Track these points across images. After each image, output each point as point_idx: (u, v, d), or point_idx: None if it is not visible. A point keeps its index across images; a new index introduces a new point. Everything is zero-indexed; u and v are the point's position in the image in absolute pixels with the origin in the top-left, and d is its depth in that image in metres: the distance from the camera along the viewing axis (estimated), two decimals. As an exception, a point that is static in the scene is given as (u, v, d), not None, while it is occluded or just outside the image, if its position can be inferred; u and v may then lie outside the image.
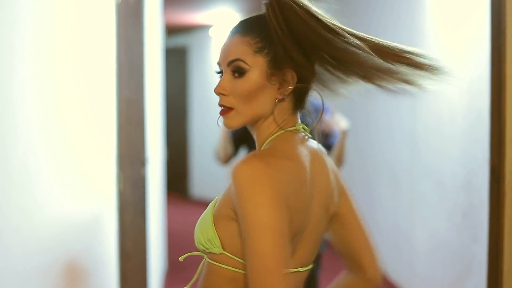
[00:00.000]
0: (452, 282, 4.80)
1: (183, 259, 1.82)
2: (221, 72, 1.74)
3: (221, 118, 1.72)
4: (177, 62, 13.09)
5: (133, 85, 4.37)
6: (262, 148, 1.73)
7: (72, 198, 3.08)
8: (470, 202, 4.45)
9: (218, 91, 1.69)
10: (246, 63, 1.67)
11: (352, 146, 7.68)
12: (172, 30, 12.09)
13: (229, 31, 1.74)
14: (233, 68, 1.68)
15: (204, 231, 1.68)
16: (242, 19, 1.75)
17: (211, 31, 11.79)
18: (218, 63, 1.74)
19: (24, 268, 2.42)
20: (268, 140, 1.73)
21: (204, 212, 1.73)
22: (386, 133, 6.70)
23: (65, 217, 2.95)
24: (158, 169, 6.51)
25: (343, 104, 7.85)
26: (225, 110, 1.71)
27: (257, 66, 1.67)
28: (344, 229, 1.96)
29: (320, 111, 4.28)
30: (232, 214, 1.62)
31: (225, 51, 1.71)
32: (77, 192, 3.17)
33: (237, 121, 1.71)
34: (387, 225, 6.67)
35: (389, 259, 6.58)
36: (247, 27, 1.71)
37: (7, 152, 2.24)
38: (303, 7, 1.65)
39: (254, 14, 1.75)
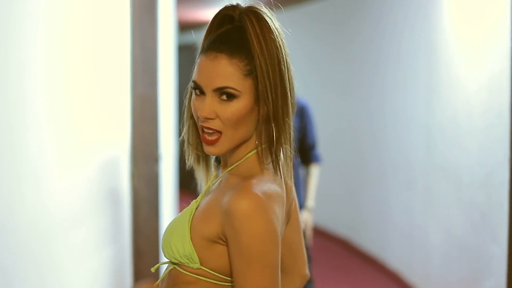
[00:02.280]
0: (469, 282, 4.74)
1: (155, 270, 1.75)
2: (199, 90, 1.61)
3: (205, 145, 1.63)
4: (188, 59, 13.01)
5: (147, 81, 4.34)
6: (236, 164, 1.67)
7: (86, 195, 3.05)
8: (489, 201, 4.38)
9: (204, 116, 1.59)
10: (237, 90, 1.58)
11: (366, 144, 7.62)
12: (183, 27, 12.04)
13: (209, 46, 1.61)
14: (223, 93, 1.58)
15: (179, 246, 1.63)
16: (222, 33, 1.62)
17: (223, 28, 11.70)
18: (198, 83, 1.61)
19: (37, 264, 2.39)
20: (244, 157, 1.67)
21: (175, 221, 1.68)
22: (400, 131, 6.64)
23: (79, 214, 2.92)
24: (171, 166, 6.47)
25: (357, 102, 7.85)
26: (214, 139, 1.61)
27: (246, 90, 1.59)
28: (291, 230, 1.87)
29: (301, 108, 4.22)
30: (217, 239, 1.58)
31: (211, 73, 1.59)
32: (91, 189, 3.14)
33: (225, 147, 1.63)
34: (401, 223, 6.61)
35: (403, 258, 6.53)
36: (233, 47, 1.59)
37: (18, 148, 2.21)
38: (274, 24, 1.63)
39: (230, 27, 1.64)
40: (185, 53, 13.31)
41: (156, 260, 4.73)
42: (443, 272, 5.37)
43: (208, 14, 10.79)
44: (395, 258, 6.75)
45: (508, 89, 3.96)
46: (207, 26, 1.67)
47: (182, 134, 1.74)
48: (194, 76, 1.62)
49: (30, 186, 2.33)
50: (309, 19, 8.97)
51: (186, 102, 1.71)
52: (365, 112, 7.63)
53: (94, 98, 3.15)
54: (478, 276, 4.56)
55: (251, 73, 1.58)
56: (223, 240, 1.57)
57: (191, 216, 1.63)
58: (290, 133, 1.65)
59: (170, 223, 1.69)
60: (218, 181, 1.72)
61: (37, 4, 2.38)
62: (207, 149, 1.63)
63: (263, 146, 1.65)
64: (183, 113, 1.73)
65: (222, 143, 1.62)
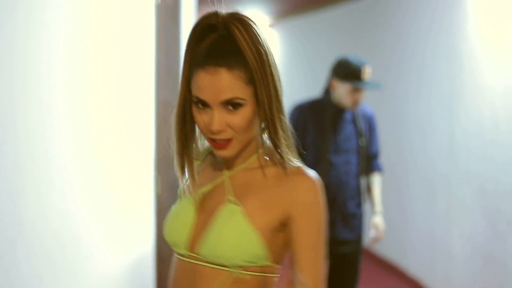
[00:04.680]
0: (494, 291, 4.70)
1: None
2: (203, 103, 1.66)
3: (216, 149, 1.70)
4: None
5: (170, 86, 4.32)
6: (246, 163, 1.77)
7: (110, 202, 3.03)
8: (516, 209, 4.35)
9: (217, 130, 1.65)
10: (242, 99, 1.65)
11: (390, 151, 7.57)
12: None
13: (205, 61, 1.63)
14: (229, 104, 1.64)
15: (242, 247, 1.69)
16: (213, 45, 1.65)
17: (240, 34, 11.71)
18: (203, 99, 1.64)
19: (61, 271, 2.37)
20: (255, 156, 1.78)
21: (217, 225, 1.72)
22: (423, 138, 6.59)
23: (102, 221, 2.91)
24: (191, 172, 6.43)
25: (380, 109, 7.80)
26: (225, 143, 1.69)
27: (250, 96, 1.66)
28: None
29: (368, 118, 4.23)
30: (280, 227, 1.71)
31: (215, 88, 1.63)
32: (115, 196, 3.13)
33: (236, 149, 1.72)
34: (423, 230, 6.57)
35: (424, 265, 6.48)
36: (230, 58, 1.64)
37: (40, 157, 2.19)
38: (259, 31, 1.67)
39: (216, 36, 1.66)
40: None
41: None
42: (467, 281, 5.33)
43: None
44: (415, 266, 6.71)
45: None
46: (190, 36, 1.69)
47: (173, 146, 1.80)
48: (195, 92, 1.65)
49: (53, 195, 2.31)
50: (329, 25, 8.94)
51: (175, 111, 1.76)
52: (388, 120, 7.59)
53: (119, 104, 3.14)
54: (504, 285, 4.52)
55: (251, 79, 1.64)
56: (284, 226, 1.71)
57: (243, 214, 1.70)
58: (288, 130, 1.73)
59: (210, 229, 1.71)
60: (223, 180, 1.78)
61: (59, 10, 2.36)
62: (220, 153, 1.71)
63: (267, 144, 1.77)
64: (174, 124, 1.77)
65: (233, 146, 1.70)
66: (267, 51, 1.67)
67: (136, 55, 3.55)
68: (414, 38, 6.83)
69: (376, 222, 4.30)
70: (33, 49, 2.15)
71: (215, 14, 1.66)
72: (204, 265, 1.73)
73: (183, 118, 1.75)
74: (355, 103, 4.03)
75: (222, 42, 1.65)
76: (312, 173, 1.74)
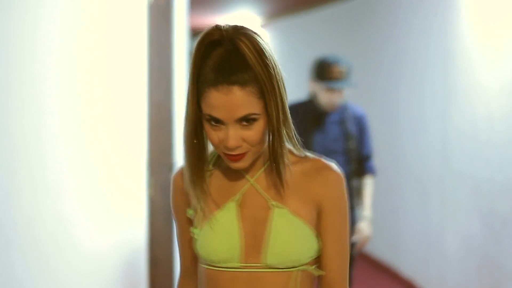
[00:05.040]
0: (490, 291, 4.69)
1: None
2: (216, 120, 1.67)
3: (231, 162, 1.72)
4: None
5: (163, 88, 4.30)
6: (267, 165, 1.81)
7: (103, 205, 3.00)
8: (511, 209, 4.32)
9: (235, 146, 1.67)
10: (257, 113, 1.66)
11: (381, 150, 7.56)
12: (193, 34, 12.03)
13: (216, 80, 1.63)
14: (243, 120, 1.66)
15: (306, 246, 1.78)
16: (221, 62, 1.65)
17: (231, 34, 11.68)
18: (217, 117, 1.65)
19: (55, 274, 2.34)
20: (268, 160, 1.80)
21: (286, 230, 1.77)
22: (415, 137, 6.58)
23: (96, 224, 2.88)
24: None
25: (371, 108, 7.79)
26: (239, 156, 1.71)
27: (261, 110, 1.67)
28: None
29: (359, 118, 4.18)
30: (316, 218, 1.81)
31: (229, 107, 1.64)
32: (108, 199, 3.10)
33: (250, 161, 1.75)
34: (416, 230, 6.55)
35: (417, 266, 6.47)
36: (242, 74, 1.64)
37: (35, 159, 2.16)
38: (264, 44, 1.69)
39: (223, 52, 1.66)
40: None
41: (171, 269, 4.68)
42: (461, 281, 5.31)
43: (216, 20, 10.74)
44: (409, 267, 6.70)
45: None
46: (194, 53, 1.68)
47: (184, 160, 1.79)
48: (208, 110, 1.66)
49: (48, 200, 2.29)
50: (321, 25, 8.93)
51: (185, 128, 1.75)
52: (380, 119, 7.57)
53: (112, 105, 3.11)
54: (500, 285, 4.51)
55: (261, 93, 1.66)
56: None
57: (293, 215, 1.77)
58: (294, 135, 1.78)
59: (270, 238, 1.76)
60: (249, 186, 1.81)
61: (53, 12, 2.34)
62: (234, 165, 1.73)
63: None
64: (185, 139, 1.76)
65: (248, 158, 1.73)
66: (274, 64, 1.68)
67: (128, 56, 3.52)
68: (406, 37, 6.82)
69: (361, 228, 4.16)
70: (28, 49, 2.12)
71: (219, 29, 1.66)
72: (266, 272, 1.77)
73: (195, 135, 1.75)
74: (331, 103, 4.00)
75: (230, 58, 1.65)
76: (335, 165, 1.83)
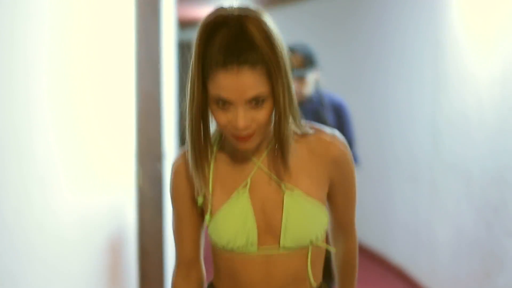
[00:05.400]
0: (480, 277, 4.68)
1: None
2: (225, 102, 1.68)
3: (239, 142, 1.73)
4: (185, 56, 13.00)
5: (151, 78, 4.27)
6: (271, 146, 1.83)
7: (92, 197, 2.99)
8: (503, 196, 4.32)
9: (244, 126, 1.68)
10: (265, 94, 1.67)
11: (368, 138, 7.56)
12: (180, 24, 11.97)
13: (226, 60, 1.63)
14: (253, 100, 1.67)
15: (318, 224, 1.83)
16: (230, 42, 1.64)
17: (219, 25, 11.64)
18: (227, 98, 1.66)
19: (44, 266, 2.33)
20: (271, 138, 1.83)
21: (300, 213, 1.81)
22: (405, 123, 6.56)
23: (85, 215, 2.87)
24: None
25: (360, 98, 7.77)
26: (248, 136, 1.72)
27: (269, 91, 1.68)
28: None
29: (338, 107, 4.13)
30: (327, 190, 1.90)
31: (239, 87, 1.64)
32: (97, 190, 3.08)
33: (258, 141, 1.76)
34: (405, 218, 6.55)
35: (408, 253, 6.47)
36: (251, 54, 1.63)
37: (24, 149, 2.14)
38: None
39: (230, 32, 1.65)
40: (182, 50, 13.43)
41: (161, 260, 4.66)
42: (452, 268, 5.32)
43: (204, 11, 10.71)
44: (399, 255, 6.70)
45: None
46: (200, 34, 1.68)
47: (187, 144, 1.80)
48: (217, 91, 1.66)
49: (37, 189, 2.27)
50: (309, 16, 8.90)
51: (191, 112, 1.75)
52: (369, 108, 7.57)
53: (100, 96, 3.09)
54: (491, 271, 4.51)
55: (269, 74, 1.66)
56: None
57: (305, 195, 1.81)
58: (299, 117, 1.82)
59: (286, 222, 1.80)
60: (257, 168, 1.83)
61: (42, 1, 2.32)
62: (242, 146, 1.73)
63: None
64: (189, 122, 1.77)
65: (255, 138, 1.72)
66: (281, 45, 1.68)
67: (116, 46, 3.50)
68: (395, 25, 6.81)
69: None
70: (19, 40, 2.11)
71: (225, 10, 1.67)
72: (281, 253, 1.83)
73: (201, 118, 1.76)
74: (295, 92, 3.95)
75: (238, 39, 1.63)
76: (337, 134, 1.88)
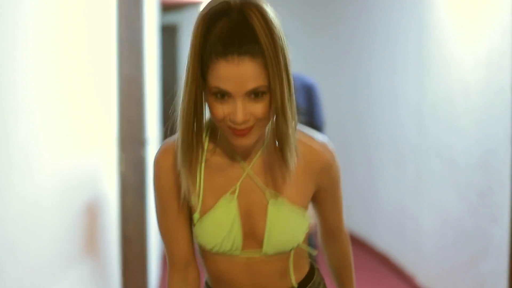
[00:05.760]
0: (466, 264, 4.65)
1: None
2: (223, 93, 1.62)
3: (236, 137, 1.67)
4: (168, 40, 12.94)
5: (133, 62, 4.19)
6: (262, 151, 1.81)
7: (74, 183, 2.91)
8: (488, 182, 4.28)
9: (243, 119, 1.63)
10: (266, 86, 1.61)
11: (353, 122, 7.52)
12: (163, 8, 11.90)
13: (226, 50, 1.58)
14: (252, 93, 1.62)
15: (300, 231, 1.84)
16: (230, 32, 1.58)
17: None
18: (226, 89, 1.60)
19: (24, 255, 2.26)
20: (266, 141, 1.81)
21: (284, 221, 1.81)
22: (389, 108, 6.53)
23: (66, 202, 2.79)
24: (156, 150, 6.33)
25: (344, 79, 7.72)
26: (246, 130, 1.66)
27: (268, 83, 1.62)
28: None
29: (309, 88, 4.06)
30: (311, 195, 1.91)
31: (240, 78, 1.59)
32: (79, 176, 3.01)
33: (256, 137, 1.70)
34: (390, 204, 6.53)
35: (392, 239, 6.45)
36: (252, 45, 1.59)
37: (8, 134, 2.07)
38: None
39: (231, 23, 1.60)
40: (164, 34, 13.32)
41: (143, 247, 4.61)
42: (437, 255, 5.29)
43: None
44: (384, 240, 6.68)
45: (510, 64, 3.85)
46: (199, 22, 1.63)
47: (178, 138, 1.74)
48: (215, 82, 1.60)
49: (20, 173, 2.20)
50: (294, 1, 8.83)
51: (184, 104, 1.69)
52: (355, 91, 7.53)
53: (79, 80, 3.01)
54: (476, 258, 4.48)
55: (270, 65, 1.60)
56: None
57: (288, 203, 1.80)
58: (296, 114, 1.73)
59: (269, 230, 1.81)
60: (246, 174, 1.80)
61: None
62: (240, 141, 1.67)
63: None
64: (182, 115, 1.71)
65: (254, 133, 1.67)
66: (281, 38, 1.63)
67: (96, 28, 3.42)
68: (379, 7, 6.76)
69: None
70: (6, 20, 2.03)
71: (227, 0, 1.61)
72: (264, 256, 1.84)
73: (195, 113, 1.69)
74: None
75: (239, 29, 1.59)
76: (323, 138, 1.87)
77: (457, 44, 4.78)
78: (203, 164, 1.79)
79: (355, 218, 7.34)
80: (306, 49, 8.39)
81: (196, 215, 1.78)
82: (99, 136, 3.45)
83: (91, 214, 3.28)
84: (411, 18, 5.84)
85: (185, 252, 1.89)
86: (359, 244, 7.20)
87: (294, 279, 1.89)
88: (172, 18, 12.87)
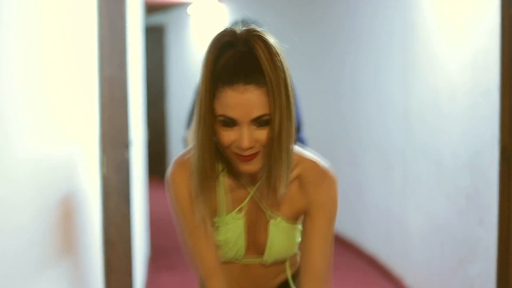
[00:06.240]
0: (453, 266, 4.62)
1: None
2: (230, 121, 1.74)
3: (242, 163, 1.79)
4: (154, 41, 12.90)
5: (115, 63, 4.12)
6: (264, 176, 1.95)
7: (54, 186, 2.85)
8: (475, 184, 4.24)
9: (249, 146, 1.74)
10: (270, 114, 1.72)
11: (338, 124, 7.48)
12: (149, 8, 11.85)
13: (233, 79, 1.70)
14: (257, 120, 1.73)
15: (297, 239, 2.06)
16: (237, 62, 1.72)
17: (189, 9, 11.58)
18: (233, 117, 1.72)
19: (12, 262, 2.20)
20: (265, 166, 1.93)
21: (282, 237, 2.01)
22: (375, 110, 6.50)
23: (46, 204, 2.73)
24: (141, 151, 6.28)
25: (327, 82, 7.68)
26: (252, 156, 1.77)
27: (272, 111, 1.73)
28: None
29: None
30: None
31: (246, 106, 1.70)
32: (56, 177, 2.94)
33: (261, 163, 1.81)
34: (377, 207, 6.49)
35: (380, 242, 6.41)
36: (258, 75, 1.70)
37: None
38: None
39: (237, 53, 1.73)
40: (151, 34, 13.26)
41: (128, 250, 4.55)
42: (424, 257, 5.26)
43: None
44: (372, 242, 6.65)
45: (497, 65, 3.81)
46: (208, 54, 1.74)
47: (195, 163, 1.85)
48: (222, 110, 1.72)
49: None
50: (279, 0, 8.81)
51: (200, 132, 1.79)
52: (341, 92, 7.48)
53: (60, 80, 2.94)
54: (463, 261, 4.44)
55: (275, 95, 1.72)
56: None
57: (285, 221, 2.00)
58: (293, 138, 1.83)
59: (270, 245, 2.03)
60: (254, 190, 1.99)
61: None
62: (246, 167, 1.79)
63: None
64: (200, 144, 1.81)
65: (259, 160, 1.79)
66: (285, 67, 1.73)
67: (76, 28, 3.35)
68: (364, 6, 6.73)
69: None
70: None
71: (233, 31, 1.73)
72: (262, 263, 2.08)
73: (213, 137, 1.80)
74: None
75: (245, 59, 1.70)
76: (328, 167, 1.99)
77: (443, 45, 4.75)
78: (221, 187, 1.95)
79: (343, 218, 7.29)
80: (289, 48, 8.32)
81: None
82: (80, 137, 3.39)
83: (70, 216, 3.22)
84: (396, 19, 5.81)
85: (213, 263, 2.03)
86: (347, 246, 7.16)
87: (290, 273, 2.13)
88: (159, 18, 12.84)
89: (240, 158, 1.77)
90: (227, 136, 1.73)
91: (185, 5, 11.68)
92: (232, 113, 1.70)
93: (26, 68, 2.41)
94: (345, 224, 7.28)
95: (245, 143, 1.71)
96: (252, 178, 1.95)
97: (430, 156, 5.07)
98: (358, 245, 6.98)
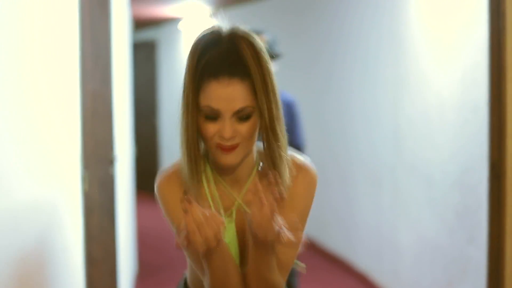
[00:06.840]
0: (443, 285, 4.56)
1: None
2: (213, 113, 1.82)
3: (222, 155, 1.85)
4: (145, 56, 12.88)
5: (98, 77, 4.07)
6: (250, 181, 2.00)
7: (32, 201, 2.78)
8: (465, 202, 4.19)
9: (230, 135, 1.81)
10: (253, 107, 1.82)
11: (327, 142, 7.43)
12: (140, 24, 11.85)
13: (217, 72, 1.78)
14: (240, 113, 1.80)
15: None
16: (223, 56, 1.80)
17: (180, 25, 11.58)
18: (216, 108, 1.80)
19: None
20: (255, 169, 2.02)
21: None
22: (364, 127, 6.45)
23: (23, 222, 2.66)
24: (127, 167, 6.21)
25: (317, 97, 7.63)
26: (232, 147, 1.84)
27: (256, 106, 1.83)
28: None
29: (289, 105, 3.95)
30: None
31: (229, 98, 1.78)
32: (37, 194, 2.87)
33: (241, 156, 1.87)
34: (367, 225, 6.43)
35: (371, 259, 6.36)
36: (242, 68, 1.79)
37: None
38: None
39: (222, 49, 1.82)
40: (142, 50, 13.23)
41: (113, 268, 4.48)
42: (415, 274, 5.20)
43: (164, 10, 10.56)
44: (363, 259, 6.59)
45: (485, 82, 3.76)
46: (193, 50, 1.83)
47: (184, 162, 1.92)
48: (207, 102, 1.81)
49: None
50: (270, 13, 8.79)
51: (185, 126, 1.87)
52: (324, 111, 7.46)
53: (40, 94, 2.88)
54: (453, 279, 4.38)
55: (257, 89, 1.81)
56: None
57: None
58: (285, 136, 1.93)
59: None
60: (238, 204, 2.01)
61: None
62: (225, 158, 1.85)
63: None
64: (185, 136, 1.89)
65: (238, 152, 1.86)
66: (268, 64, 1.82)
67: (59, 44, 3.29)
68: (351, 20, 6.70)
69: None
70: None
71: (218, 29, 1.84)
72: None
73: (196, 132, 1.87)
74: None
75: (230, 54, 1.79)
76: (310, 165, 2.05)
77: (431, 62, 4.71)
78: (205, 179, 2.00)
79: (333, 236, 7.26)
80: (282, 65, 8.31)
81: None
82: (60, 153, 3.32)
83: (50, 233, 3.15)
84: (384, 35, 5.79)
85: None
86: (338, 263, 7.11)
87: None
88: (150, 34, 12.83)
89: (222, 148, 1.83)
90: (211, 127, 1.81)
91: (176, 20, 11.67)
92: (216, 105, 1.78)
93: (6, 78, 2.35)
94: (336, 241, 7.22)
95: (227, 132, 1.79)
96: (237, 185, 2.00)
97: (420, 173, 5.02)
98: (349, 263, 6.92)
